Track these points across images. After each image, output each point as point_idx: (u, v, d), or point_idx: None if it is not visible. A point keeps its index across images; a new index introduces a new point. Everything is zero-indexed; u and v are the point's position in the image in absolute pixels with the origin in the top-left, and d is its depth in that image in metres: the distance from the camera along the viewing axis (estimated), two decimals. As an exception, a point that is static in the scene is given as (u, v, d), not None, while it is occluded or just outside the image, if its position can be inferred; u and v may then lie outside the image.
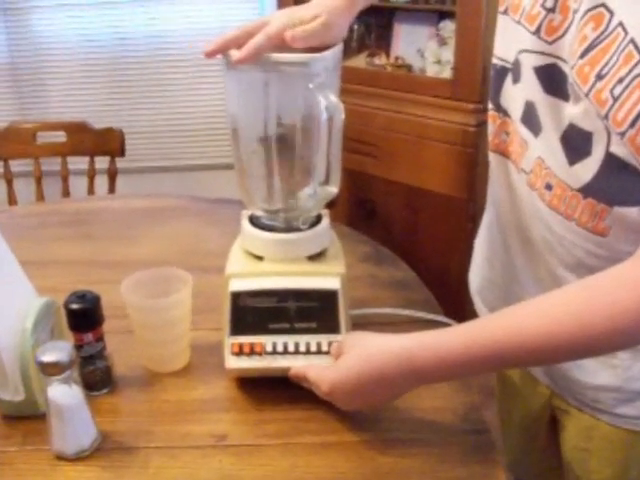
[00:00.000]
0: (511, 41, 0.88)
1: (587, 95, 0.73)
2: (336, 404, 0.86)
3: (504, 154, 0.93)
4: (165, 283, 0.98)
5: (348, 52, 2.39)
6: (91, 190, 2.28)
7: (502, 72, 0.92)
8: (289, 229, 0.95)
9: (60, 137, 2.27)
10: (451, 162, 2.04)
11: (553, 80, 0.80)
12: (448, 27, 2.10)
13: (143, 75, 2.85)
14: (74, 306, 0.93)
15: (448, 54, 2.09)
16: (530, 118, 0.85)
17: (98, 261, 1.33)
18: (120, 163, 2.29)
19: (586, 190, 0.78)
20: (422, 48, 2.20)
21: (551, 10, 0.79)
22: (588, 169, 0.77)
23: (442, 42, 2.13)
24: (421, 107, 2.09)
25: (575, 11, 0.75)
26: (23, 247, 1.38)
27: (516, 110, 0.88)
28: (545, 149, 0.83)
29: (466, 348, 0.76)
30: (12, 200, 2.27)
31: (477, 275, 1.10)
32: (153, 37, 2.81)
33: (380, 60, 2.30)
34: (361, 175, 2.26)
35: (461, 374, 0.83)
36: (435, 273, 2.04)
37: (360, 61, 2.34)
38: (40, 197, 2.27)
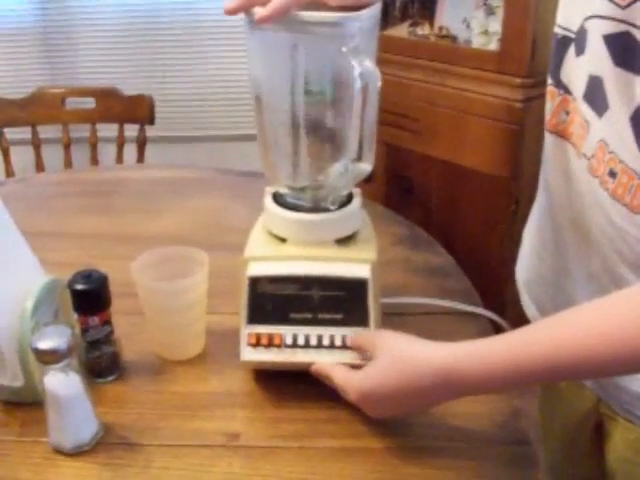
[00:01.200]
0: (577, 6, 0.78)
1: None
2: (364, 411, 0.78)
3: (563, 136, 0.83)
4: (179, 263, 0.90)
5: (390, 21, 2.28)
6: (120, 158, 2.22)
7: (564, 43, 0.81)
8: (316, 209, 0.86)
9: (89, 103, 2.20)
10: (495, 139, 1.93)
11: (625, 50, 0.69)
12: (497, -4, 1.99)
13: (175, 42, 2.77)
14: (78, 287, 0.85)
15: (496, 25, 1.97)
16: (594, 95, 0.75)
17: (115, 235, 1.26)
18: (150, 131, 2.22)
19: None
20: (468, 18, 2.08)
21: None
22: None
23: (490, 12, 2.01)
24: (465, 80, 1.98)
25: None
26: (38, 217, 1.33)
27: (579, 86, 0.78)
28: (610, 131, 0.73)
29: (514, 364, 0.67)
30: (40, 167, 2.22)
31: (525, 267, 1.00)
32: (187, 2, 2.72)
33: (423, 30, 2.19)
34: (399, 150, 2.16)
35: (505, 389, 0.77)
36: (475, 258, 1.95)
37: (402, 31, 2.22)
38: (68, 164, 2.22)
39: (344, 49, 0.73)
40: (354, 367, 0.77)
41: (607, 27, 0.71)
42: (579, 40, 0.78)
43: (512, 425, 0.82)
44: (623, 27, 0.69)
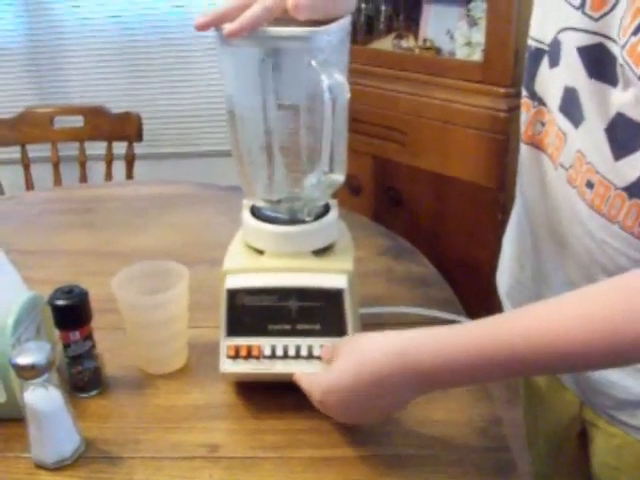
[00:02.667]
0: (550, 18, 0.79)
1: None
2: (330, 415, 0.77)
3: (539, 147, 0.84)
4: (160, 278, 0.91)
5: (375, 34, 2.31)
6: (109, 176, 2.24)
7: (537, 55, 0.82)
8: (293, 221, 0.86)
9: (78, 122, 2.22)
10: (481, 149, 1.95)
11: (599, 62, 0.70)
12: (479, 7, 2.00)
13: (163, 59, 2.79)
14: (59, 302, 0.86)
15: (479, 36, 1.99)
16: (570, 107, 0.75)
17: (100, 251, 1.27)
18: (138, 149, 2.23)
19: (632, 189, 0.68)
20: (451, 29, 2.10)
21: None
22: (636, 165, 0.67)
23: (472, 23, 2.03)
24: (450, 91, 2.00)
25: None
26: (25, 235, 1.34)
27: (554, 98, 0.79)
28: (587, 142, 0.73)
29: (473, 346, 0.65)
30: (29, 185, 2.23)
31: (505, 275, 1.01)
32: (172, 20, 2.75)
33: (408, 42, 2.21)
34: (386, 162, 2.18)
35: (472, 379, 0.72)
36: (463, 268, 1.96)
37: (387, 43, 2.25)
38: (57, 182, 2.23)
39: (313, 63, 0.74)
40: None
41: (581, 39, 0.72)
42: (552, 52, 0.79)
43: (493, 432, 0.82)
44: (596, 39, 0.69)
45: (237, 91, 0.81)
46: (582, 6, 0.70)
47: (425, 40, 2.17)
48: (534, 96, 0.84)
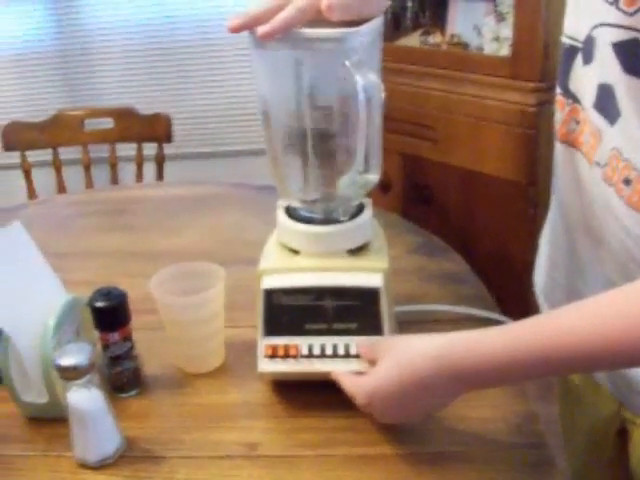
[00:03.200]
0: (584, 15, 0.78)
1: None
2: (375, 415, 0.78)
3: (574, 145, 0.83)
4: (197, 278, 0.92)
5: (402, 30, 2.30)
6: (139, 177, 2.26)
7: (571, 52, 0.81)
8: (328, 221, 0.87)
9: (108, 124, 2.24)
10: (510, 144, 1.93)
11: (634, 57, 0.69)
12: (506, 2, 1.99)
13: (192, 60, 2.80)
14: (98, 304, 0.87)
15: (507, 30, 1.98)
16: (605, 103, 0.75)
17: (135, 252, 1.28)
18: (168, 149, 2.25)
19: None
20: (479, 25, 2.09)
21: None
22: None
23: (500, 18, 2.02)
24: (478, 87, 1.98)
25: None
26: (59, 238, 1.36)
27: (588, 95, 0.78)
28: (623, 138, 0.73)
29: (510, 350, 0.66)
30: (61, 188, 2.25)
31: (541, 274, 1.00)
32: (202, 21, 2.75)
33: (435, 38, 2.20)
34: (416, 159, 2.17)
35: (509, 379, 0.74)
36: (496, 265, 1.95)
37: (414, 40, 2.24)
38: (89, 185, 2.25)
39: (347, 63, 0.74)
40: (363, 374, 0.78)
41: (615, 35, 0.71)
42: (586, 49, 0.78)
43: (529, 428, 0.82)
44: (631, 34, 0.69)
45: (271, 93, 0.82)
46: (616, 1, 0.70)
47: (452, 36, 2.16)
48: (568, 94, 0.83)
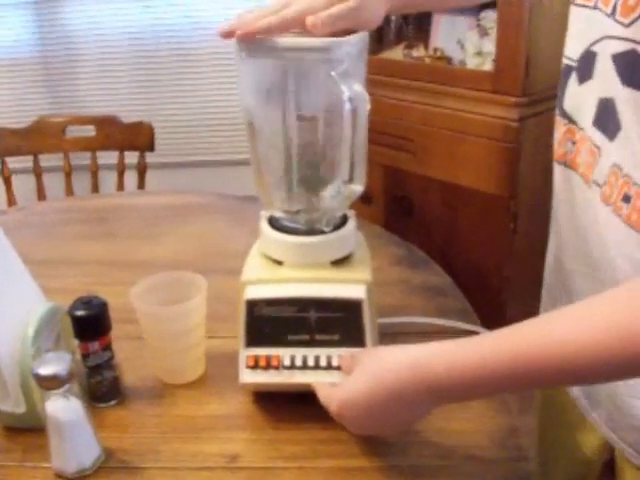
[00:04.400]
0: (582, 33, 0.79)
1: None
2: (347, 426, 0.77)
3: (571, 166, 0.83)
4: (178, 288, 0.91)
5: (385, 43, 2.31)
6: (120, 185, 2.24)
7: (566, 72, 0.82)
8: (311, 232, 0.87)
9: (90, 131, 2.23)
10: (492, 158, 1.94)
11: (632, 69, 0.69)
12: (489, 17, 2.00)
13: (176, 69, 2.79)
14: (78, 313, 0.86)
15: (489, 45, 1.99)
16: (605, 119, 0.74)
17: (117, 261, 1.27)
18: (150, 158, 2.24)
19: None
20: (462, 39, 2.10)
21: None
22: None
23: (483, 33, 2.03)
24: (461, 101, 2.00)
25: None
26: (39, 245, 1.35)
27: (586, 113, 0.78)
28: (623, 153, 0.72)
29: (484, 360, 0.64)
30: (41, 195, 2.24)
31: (542, 305, 0.99)
32: (185, 30, 2.75)
33: (418, 52, 2.21)
34: (398, 171, 2.18)
35: (485, 392, 0.71)
36: (475, 277, 1.96)
37: (397, 53, 2.25)
38: (69, 192, 2.24)
39: (333, 73, 0.74)
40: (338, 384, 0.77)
41: (615, 47, 0.71)
42: (582, 67, 0.78)
43: (511, 442, 0.82)
44: (629, 45, 0.69)
45: (256, 103, 0.81)
46: (613, 13, 0.71)
47: (435, 49, 2.17)
48: (564, 114, 0.84)
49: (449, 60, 2.14)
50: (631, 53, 0.69)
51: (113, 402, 0.90)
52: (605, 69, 0.73)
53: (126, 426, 0.87)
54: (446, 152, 2.04)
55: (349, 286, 0.84)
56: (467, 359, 0.65)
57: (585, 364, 0.60)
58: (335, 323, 0.83)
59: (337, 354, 0.83)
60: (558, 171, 0.87)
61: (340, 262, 0.87)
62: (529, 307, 1.00)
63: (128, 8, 2.73)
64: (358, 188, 0.80)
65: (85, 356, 0.88)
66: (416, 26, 2.29)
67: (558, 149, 0.86)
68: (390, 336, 0.93)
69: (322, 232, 0.86)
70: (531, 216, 1.91)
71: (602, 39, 0.74)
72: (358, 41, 0.76)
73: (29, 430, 0.84)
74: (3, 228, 0.88)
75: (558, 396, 0.97)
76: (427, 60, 2.18)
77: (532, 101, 1.85)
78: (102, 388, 0.89)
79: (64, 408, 0.77)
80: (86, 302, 0.87)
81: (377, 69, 2.16)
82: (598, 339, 0.59)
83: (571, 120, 0.82)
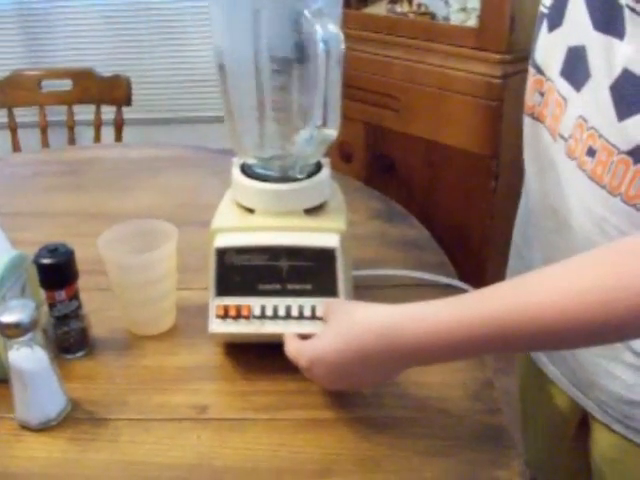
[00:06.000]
0: None
1: None
2: (315, 382, 0.76)
3: (538, 119, 0.81)
4: (147, 237, 0.89)
5: (369, -1, 2.26)
6: (97, 140, 2.21)
7: (540, 20, 0.80)
8: (284, 179, 0.84)
9: (66, 86, 2.18)
10: (474, 116, 1.92)
11: (605, 13, 0.66)
12: (475, -28, 1.97)
13: (153, 24, 2.74)
14: (44, 261, 0.84)
15: (474, 1, 1.95)
16: (574, 68, 0.72)
17: (88, 213, 1.25)
18: (128, 114, 2.20)
19: (637, 153, 0.65)
20: (446, -6, 2.07)
21: None
22: None
23: (468, -12, 1.99)
24: (444, 57, 1.96)
25: None
26: (11, 198, 1.32)
27: (554, 62, 0.76)
28: (590, 104, 0.70)
29: (458, 322, 0.62)
30: (17, 149, 2.20)
31: (510, 267, 0.98)
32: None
33: (402, 7, 2.17)
34: (379, 129, 2.15)
35: (457, 355, 0.68)
36: (456, 235, 1.95)
37: (381, 8, 2.21)
38: (45, 147, 2.19)
39: (306, 12, 0.71)
40: (308, 338, 0.75)
41: None
42: (552, 13, 0.76)
43: (485, 395, 0.81)
44: None
45: (227, 43, 0.78)
46: None
47: (419, 5, 2.14)
48: (534, 64, 0.82)
49: (433, 16, 2.11)
50: None
51: (81, 353, 0.88)
52: (576, 15, 0.71)
53: (93, 377, 0.85)
54: (429, 109, 2.01)
55: (322, 235, 0.81)
56: (438, 321, 0.64)
57: (565, 327, 0.58)
58: (307, 272, 0.81)
59: (309, 304, 0.81)
60: (527, 124, 0.85)
61: (313, 210, 0.85)
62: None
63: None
64: (332, 133, 0.78)
65: (52, 305, 0.85)
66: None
67: (527, 101, 0.84)
68: (365, 288, 0.92)
69: (295, 179, 0.84)
70: (512, 175, 1.88)
71: None
72: (332, -22, 0.73)
73: (-6, 381, 0.82)
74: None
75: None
76: (411, 16, 2.14)
77: (516, 58, 1.82)
78: (69, 339, 0.87)
79: (27, 357, 0.75)
80: (52, 250, 0.84)
81: (360, 25, 2.12)
82: (581, 301, 0.57)
83: (539, 70, 0.80)
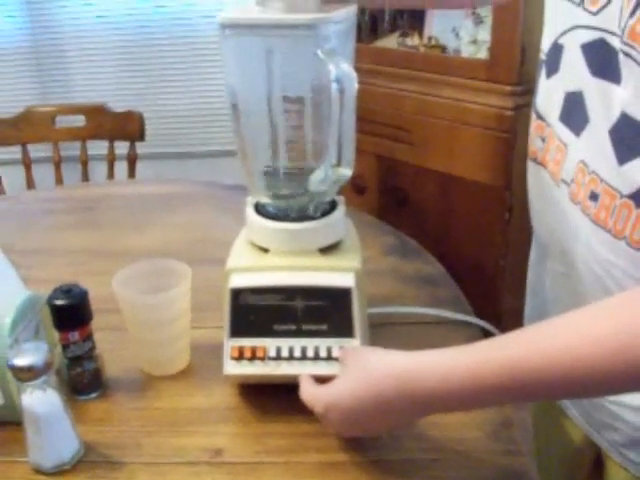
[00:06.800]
0: (552, 24, 0.77)
1: None
2: (330, 428, 0.74)
3: (541, 163, 0.81)
4: (162, 276, 0.88)
5: (379, 32, 2.28)
6: (111, 176, 2.21)
7: (540, 67, 0.80)
8: (298, 218, 0.84)
9: (80, 121, 2.19)
10: (487, 148, 1.92)
11: (601, 58, 0.67)
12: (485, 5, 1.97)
13: (165, 59, 2.76)
14: (58, 302, 0.83)
15: (485, 34, 1.96)
16: (572, 113, 0.72)
17: (102, 250, 1.25)
18: (141, 148, 2.20)
19: (639, 196, 0.64)
20: (457, 27, 2.07)
21: None
22: None
23: (478, 21, 2.00)
24: (455, 89, 1.97)
25: None
26: (25, 234, 1.32)
27: (553, 108, 0.76)
28: (590, 149, 0.70)
29: (474, 371, 0.61)
30: (30, 185, 2.20)
31: (526, 301, 0.97)
32: (174, 19, 2.72)
33: (412, 41, 2.18)
34: (392, 162, 2.15)
35: (473, 404, 0.67)
36: (470, 268, 1.93)
37: (392, 42, 2.22)
38: (59, 182, 2.20)
39: (319, 52, 0.71)
40: (324, 381, 0.74)
41: (584, 36, 0.70)
42: (550, 60, 0.77)
43: (504, 435, 0.79)
44: (597, 34, 0.67)
45: (240, 83, 0.78)
46: (582, 2, 0.69)
47: (430, 38, 2.14)
48: (536, 110, 0.82)
49: (444, 49, 2.12)
50: (599, 42, 0.67)
51: (94, 395, 0.88)
52: (573, 61, 0.71)
53: (107, 419, 0.85)
54: (441, 142, 2.01)
55: (337, 274, 0.81)
56: (455, 371, 0.63)
57: (584, 375, 0.57)
58: (323, 312, 0.80)
59: (325, 345, 0.80)
60: (530, 168, 0.85)
61: (328, 250, 0.84)
62: (524, 298, 0.98)
63: (118, -2, 2.70)
64: (346, 172, 0.77)
65: (65, 347, 0.85)
66: (410, 15, 2.26)
67: (530, 146, 0.84)
68: (380, 326, 0.91)
69: (310, 218, 0.83)
70: (526, 206, 1.88)
71: (571, 29, 0.72)
72: (345, 18, 0.74)
73: (8, 424, 0.81)
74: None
75: None
76: (422, 49, 2.15)
77: (527, 90, 1.82)
78: (83, 380, 0.87)
79: (41, 400, 0.74)
80: (66, 291, 0.84)
81: (372, 58, 2.13)
82: (598, 348, 0.56)
83: (540, 116, 0.80)
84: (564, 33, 0.73)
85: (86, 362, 0.86)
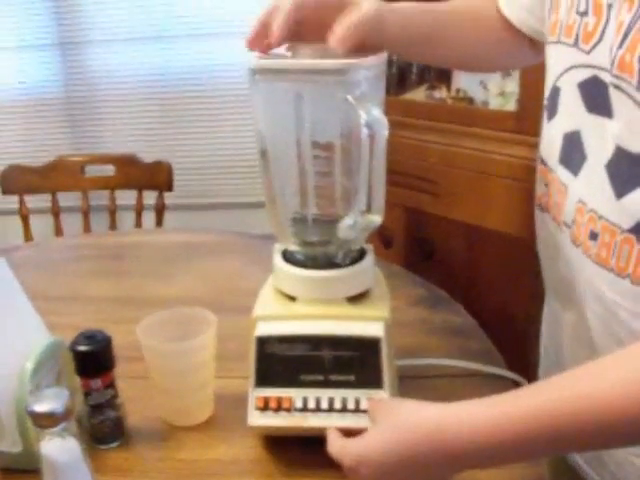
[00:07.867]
0: (550, 69, 0.78)
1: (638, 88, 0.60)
2: None
3: (545, 209, 0.81)
4: (187, 324, 0.87)
5: (407, 85, 2.29)
6: (138, 225, 2.22)
7: (542, 113, 0.81)
8: (326, 266, 0.82)
9: (109, 171, 2.21)
10: (515, 199, 1.90)
11: (595, 94, 0.68)
12: (513, 57, 1.98)
13: (195, 110, 2.79)
14: (80, 348, 0.82)
15: (513, 85, 1.97)
16: (571, 153, 0.73)
17: (127, 298, 1.24)
18: (169, 199, 2.22)
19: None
20: (485, 80, 2.08)
21: (584, 14, 0.68)
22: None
23: (506, 73, 2.01)
24: (483, 141, 1.96)
25: (610, 5, 0.64)
26: (51, 281, 1.32)
27: (553, 151, 0.76)
28: (588, 186, 0.70)
29: (511, 430, 0.59)
30: (59, 234, 2.22)
31: (542, 347, 0.96)
32: (205, 72, 2.75)
33: (440, 93, 2.19)
34: (419, 213, 2.14)
35: (510, 458, 0.64)
36: (499, 320, 1.90)
37: (419, 94, 2.23)
38: (87, 231, 2.22)
39: (349, 97, 0.70)
40: (352, 434, 0.71)
41: (580, 75, 0.71)
42: (549, 104, 0.78)
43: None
44: (590, 72, 0.68)
45: (270, 128, 0.78)
46: (576, 42, 0.70)
47: (458, 90, 2.15)
48: (539, 155, 0.83)
49: (471, 101, 2.12)
50: (593, 80, 0.68)
51: (115, 444, 0.86)
52: (570, 101, 0.72)
53: (128, 470, 0.83)
54: (469, 193, 2.00)
55: (366, 324, 0.79)
56: (488, 425, 0.61)
57: (615, 420, 0.56)
58: (351, 363, 0.78)
59: (353, 396, 0.78)
60: (537, 215, 0.86)
61: (357, 298, 0.83)
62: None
63: (148, 50, 2.74)
64: (376, 219, 0.76)
65: (87, 394, 0.84)
66: (438, 68, 2.28)
67: (536, 192, 0.85)
68: (410, 379, 0.88)
69: (338, 266, 0.82)
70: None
71: (567, 70, 0.73)
72: (375, 63, 0.73)
73: (26, 471, 0.79)
74: (15, 263, 0.85)
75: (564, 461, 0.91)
76: (449, 101, 2.16)
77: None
78: (104, 428, 0.85)
79: (60, 448, 0.72)
80: (89, 337, 0.83)
81: (399, 110, 2.14)
82: (626, 392, 0.55)
83: (543, 161, 0.81)
84: (561, 75, 0.74)
85: (108, 410, 0.84)
